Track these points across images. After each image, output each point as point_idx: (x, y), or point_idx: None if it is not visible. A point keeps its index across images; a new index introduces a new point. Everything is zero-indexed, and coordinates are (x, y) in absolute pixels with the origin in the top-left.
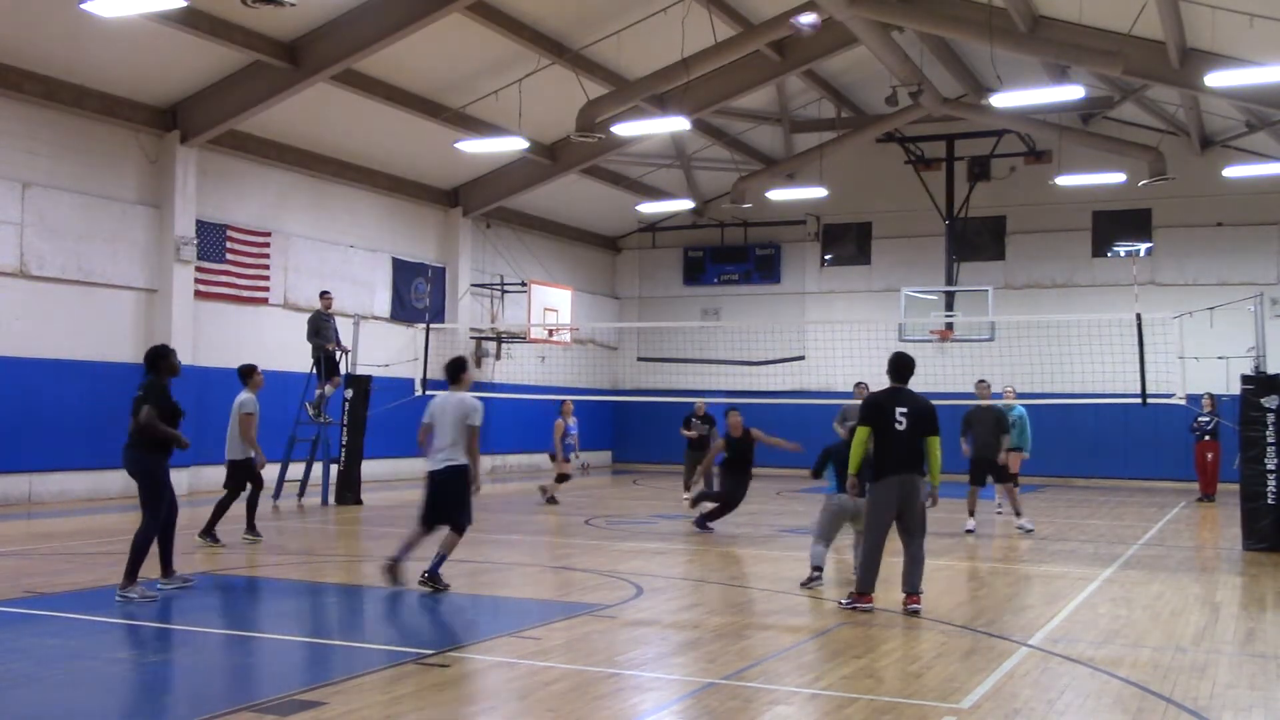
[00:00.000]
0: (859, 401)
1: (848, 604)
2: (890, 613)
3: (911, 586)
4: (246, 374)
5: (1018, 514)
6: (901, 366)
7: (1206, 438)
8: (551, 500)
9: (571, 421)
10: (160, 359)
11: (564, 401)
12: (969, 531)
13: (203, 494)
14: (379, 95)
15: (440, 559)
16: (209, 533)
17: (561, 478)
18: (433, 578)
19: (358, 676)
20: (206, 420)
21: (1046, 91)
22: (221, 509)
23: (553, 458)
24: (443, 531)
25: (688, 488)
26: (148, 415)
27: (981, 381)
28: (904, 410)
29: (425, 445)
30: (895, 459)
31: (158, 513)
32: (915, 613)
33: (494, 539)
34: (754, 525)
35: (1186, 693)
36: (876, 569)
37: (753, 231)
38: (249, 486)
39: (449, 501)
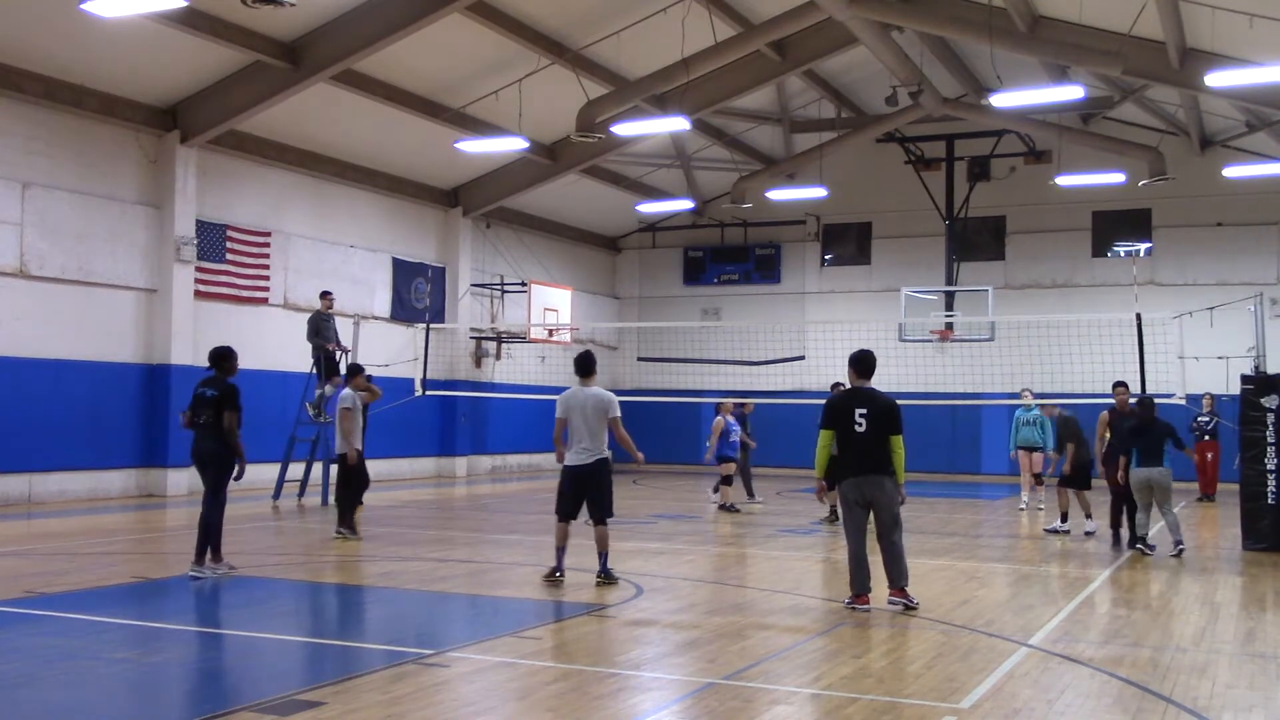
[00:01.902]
0: None
1: (848, 604)
2: (890, 612)
3: (893, 580)
4: (352, 373)
5: (1087, 516)
6: (864, 364)
7: (1206, 437)
8: (729, 508)
9: (731, 419)
10: (226, 359)
11: (721, 402)
12: (1088, 533)
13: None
14: (379, 95)
15: (604, 557)
16: (348, 525)
17: (725, 480)
18: (606, 575)
19: (358, 676)
20: None
21: (1046, 91)
22: (344, 503)
23: (719, 461)
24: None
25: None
26: (232, 422)
27: (1119, 384)
28: (863, 411)
29: (560, 441)
30: (856, 461)
31: (224, 495)
32: (897, 604)
33: (494, 539)
34: (754, 525)
35: (1186, 693)
36: (863, 570)
37: (753, 231)
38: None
39: (597, 494)
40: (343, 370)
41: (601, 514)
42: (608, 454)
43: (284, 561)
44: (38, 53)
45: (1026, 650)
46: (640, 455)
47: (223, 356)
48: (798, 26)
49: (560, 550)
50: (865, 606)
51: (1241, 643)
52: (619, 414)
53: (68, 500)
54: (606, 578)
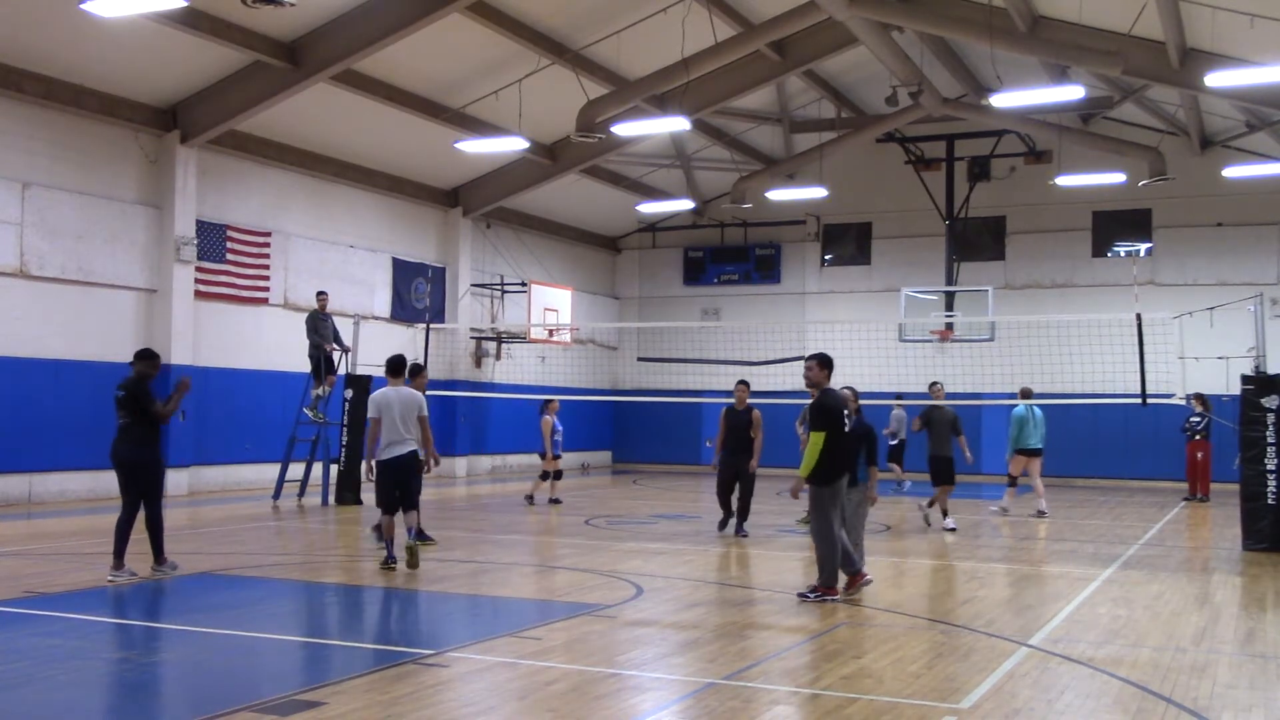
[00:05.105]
0: None
1: (816, 597)
2: (890, 613)
3: (856, 566)
4: (415, 372)
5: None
6: (831, 366)
7: (1197, 437)
8: (530, 500)
9: (557, 420)
10: (141, 360)
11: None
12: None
13: (202, 494)
14: (379, 95)
15: (413, 530)
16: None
17: (544, 475)
18: (422, 537)
19: (358, 676)
20: (206, 420)
21: (1046, 91)
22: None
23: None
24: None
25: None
26: (159, 407)
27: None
28: (845, 411)
29: (374, 441)
30: (847, 458)
31: (160, 499)
32: (868, 583)
33: (494, 539)
34: (754, 525)
35: (1186, 693)
36: (838, 563)
37: (753, 231)
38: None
39: (413, 484)
40: (341, 371)
41: (412, 503)
42: (416, 447)
43: (284, 561)
44: (38, 53)
45: (1026, 650)
46: (435, 458)
47: (142, 356)
48: (798, 26)
49: (390, 541)
50: (835, 598)
51: (1241, 643)
52: (427, 413)
53: (68, 500)
54: (421, 537)
